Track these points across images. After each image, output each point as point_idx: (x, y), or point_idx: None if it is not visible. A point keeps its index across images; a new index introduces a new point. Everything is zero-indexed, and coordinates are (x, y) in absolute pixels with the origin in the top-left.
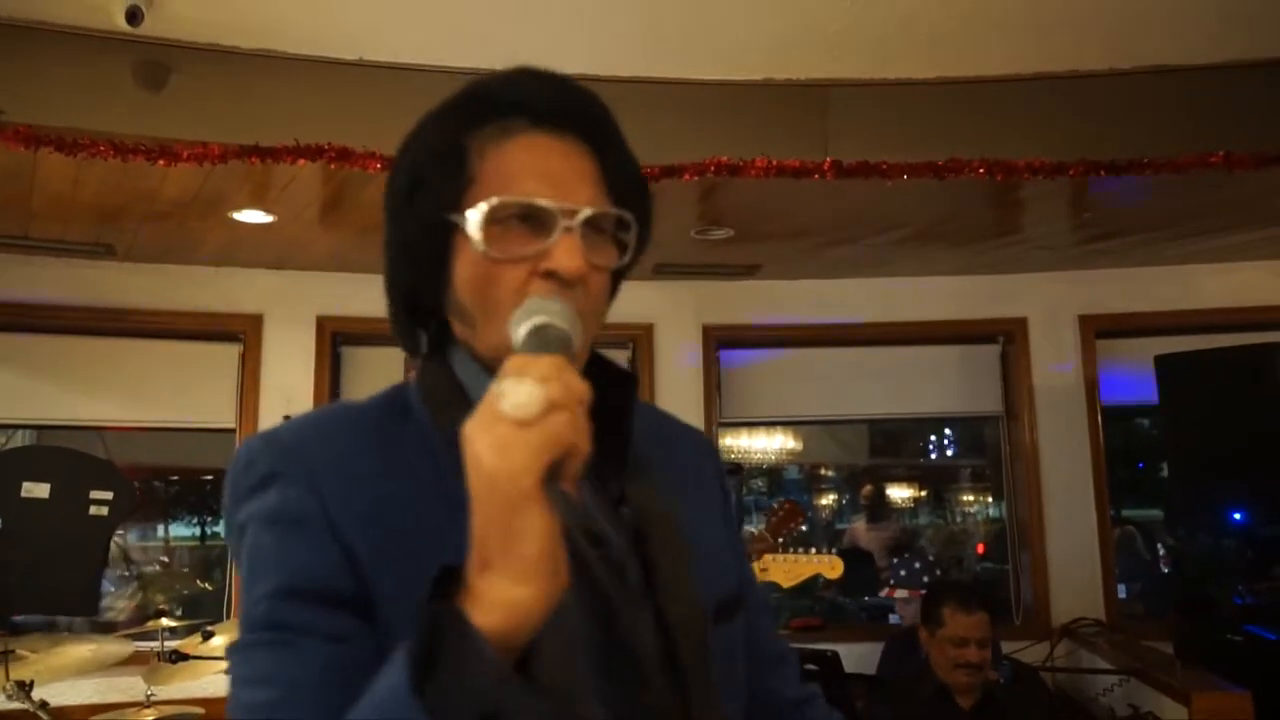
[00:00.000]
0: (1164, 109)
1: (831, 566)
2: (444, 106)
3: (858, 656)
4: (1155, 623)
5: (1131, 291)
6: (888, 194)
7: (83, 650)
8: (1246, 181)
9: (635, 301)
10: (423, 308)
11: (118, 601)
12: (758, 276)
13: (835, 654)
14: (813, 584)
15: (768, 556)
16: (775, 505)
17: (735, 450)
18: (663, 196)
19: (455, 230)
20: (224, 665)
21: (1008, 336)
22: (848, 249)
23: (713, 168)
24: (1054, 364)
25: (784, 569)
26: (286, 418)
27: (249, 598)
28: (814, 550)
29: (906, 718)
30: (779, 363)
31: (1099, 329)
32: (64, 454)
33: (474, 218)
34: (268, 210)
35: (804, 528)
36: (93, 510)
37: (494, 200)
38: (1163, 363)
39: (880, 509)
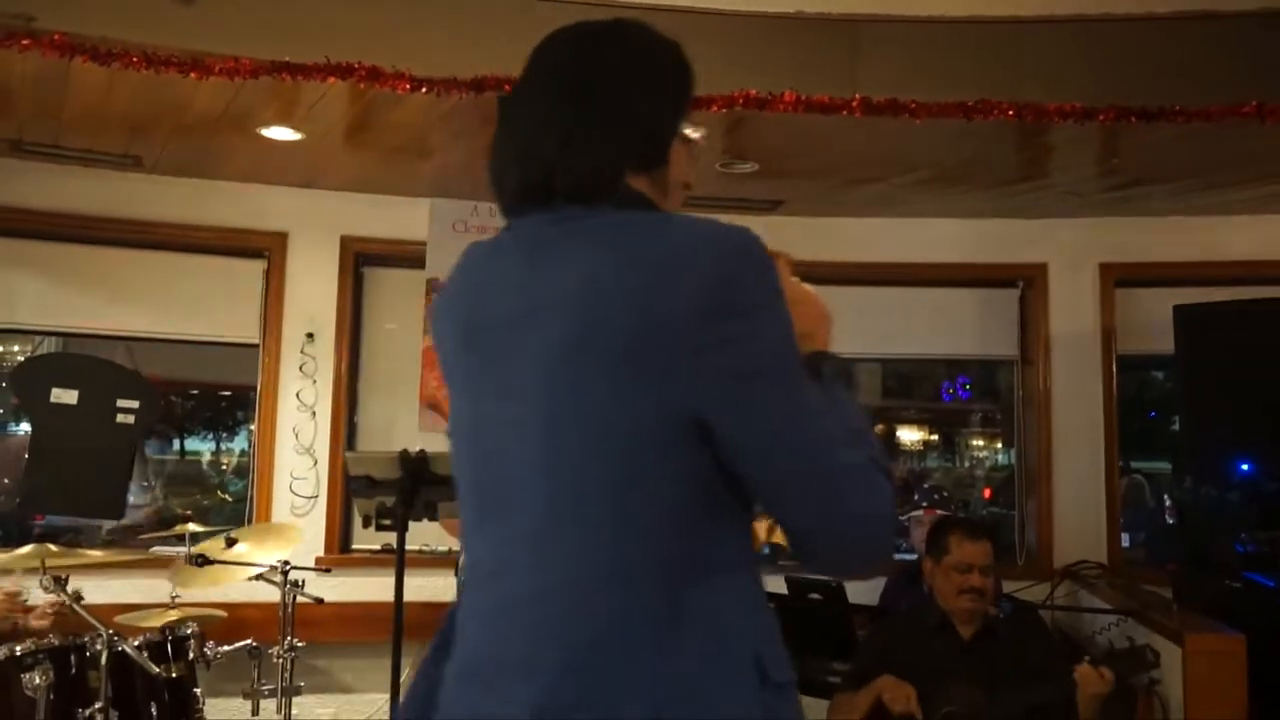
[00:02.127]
0: (1199, 56)
1: None
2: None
3: (861, 589)
4: (1157, 570)
5: (1154, 241)
6: (915, 133)
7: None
8: (1277, 133)
9: None
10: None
11: (140, 508)
12: (780, 212)
13: (839, 585)
14: None
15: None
16: None
17: None
18: None
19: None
20: (248, 572)
21: (1027, 281)
22: (872, 188)
23: (741, 100)
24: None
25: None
26: (309, 336)
27: (791, 341)
28: None
29: (907, 646)
30: None
31: (1119, 278)
32: (92, 362)
33: (695, 135)
34: (295, 128)
35: None
36: (119, 418)
37: (702, 131)
38: (1180, 313)
39: (890, 450)
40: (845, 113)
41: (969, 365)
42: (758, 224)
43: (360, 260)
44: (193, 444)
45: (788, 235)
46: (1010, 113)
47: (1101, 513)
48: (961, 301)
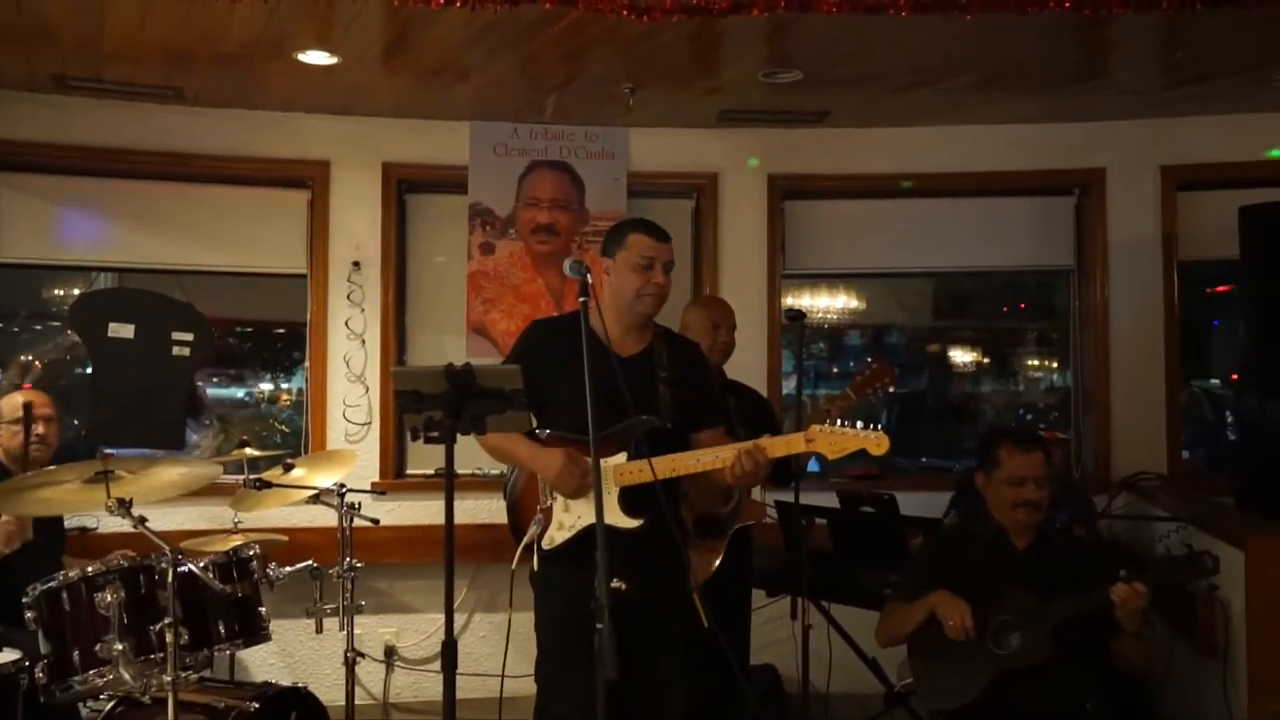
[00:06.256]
0: None
1: (877, 443)
2: None
3: (914, 503)
4: (1218, 481)
5: (1219, 141)
6: (965, 31)
7: (175, 472)
8: None
9: (699, 150)
10: None
11: (201, 441)
12: (826, 124)
13: (892, 496)
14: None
15: (814, 428)
16: (869, 362)
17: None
18: (729, 36)
19: None
20: (307, 496)
21: (1084, 188)
22: (920, 94)
23: (782, 3)
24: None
25: (829, 440)
26: (356, 265)
27: None
28: (860, 425)
29: (961, 557)
30: (845, 214)
31: (1182, 180)
32: (147, 296)
33: None
34: (332, 51)
35: (891, 389)
36: (175, 350)
37: None
38: (1248, 215)
39: (944, 373)
40: (892, 11)
41: (1024, 286)
42: (803, 137)
43: (402, 186)
44: (249, 384)
45: (834, 148)
46: (1066, 4)
47: (1161, 425)
48: (1015, 211)
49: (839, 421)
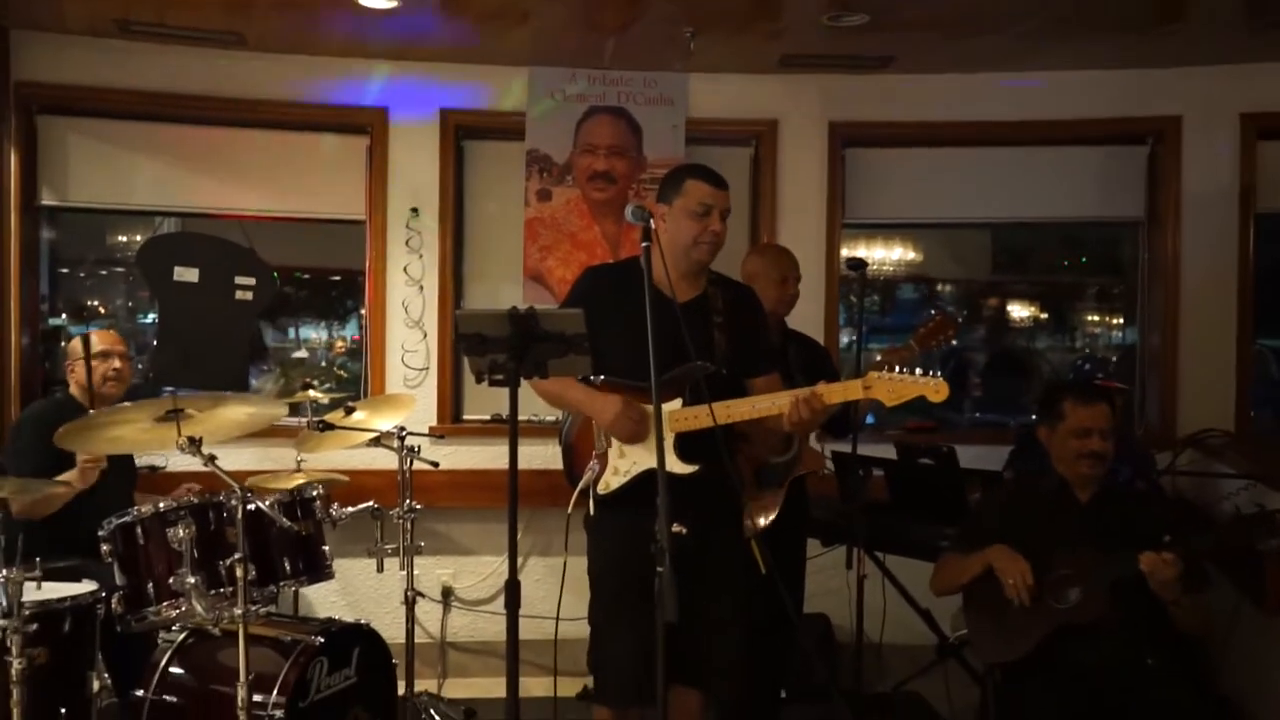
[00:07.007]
0: None
1: (936, 390)
2: None
3: (970, 456)
4: None
5: None
6: None
7: (242, 411)
8: None
9: (759, 96)
10: None
11: (262, 385)
12: (891, 70)
13: (951, 449)
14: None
15: (872, 374)
16: (932, 313)
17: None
18: None
19: None
20: (368, 438)
21: (1158, 136)
22: (989, 40)
23: None
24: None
25: (888, 387)
26: (414, 211)
27: None
28: (920, 372)
29: (1023, 511)
30: (908, 163)
31: (1263, 129)
32: (210, 241)
33: None
34: None
35: (954, 342)
36: (238, 295)
37: None
38: None
39: (1002, 326)
40: None
41: (1086, 239)
42: (866, 83)
43: (460, 133)
44: (306, 331)
45: (899, 94)
46: None
47: (1230, 381)
48: (1083, 160)
49: (897, 369)
